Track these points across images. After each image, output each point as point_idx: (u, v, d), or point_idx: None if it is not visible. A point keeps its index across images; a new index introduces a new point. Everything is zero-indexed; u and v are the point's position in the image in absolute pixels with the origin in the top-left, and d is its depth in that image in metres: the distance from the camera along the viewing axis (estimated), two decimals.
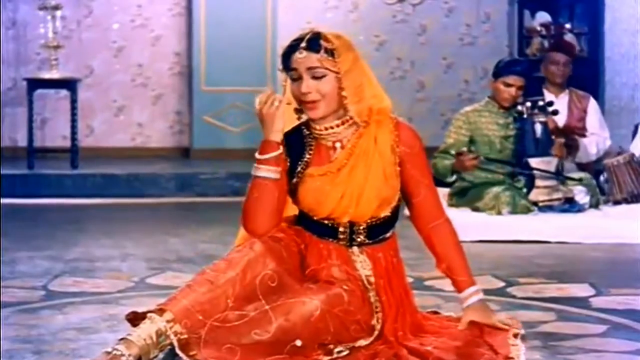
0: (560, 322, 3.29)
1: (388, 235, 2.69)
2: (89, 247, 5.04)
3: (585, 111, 6.36)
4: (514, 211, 5.61)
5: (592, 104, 6.46)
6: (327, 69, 2.56)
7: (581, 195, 5.86)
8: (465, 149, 5.77)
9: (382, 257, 2.66)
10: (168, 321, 2.45)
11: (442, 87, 9.72)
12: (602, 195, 6.04)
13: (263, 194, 2.54)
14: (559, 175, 5.82)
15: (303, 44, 2.56)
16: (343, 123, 2.61)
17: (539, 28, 9.60)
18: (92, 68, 9.30)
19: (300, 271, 2.63)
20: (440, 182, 5.65)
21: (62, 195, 7.28)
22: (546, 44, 9.32)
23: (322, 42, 2.56)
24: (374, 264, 2.64)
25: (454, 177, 5.80)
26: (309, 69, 2.55)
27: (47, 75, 8.24)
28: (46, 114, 9.24)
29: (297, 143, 2.62)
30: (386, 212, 2.63)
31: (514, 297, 3.78)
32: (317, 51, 2.55)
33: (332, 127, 2.61)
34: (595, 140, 6.38)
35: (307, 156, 2.64)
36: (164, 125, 9.41)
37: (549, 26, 9.55)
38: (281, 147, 2.59)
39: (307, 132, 2.68)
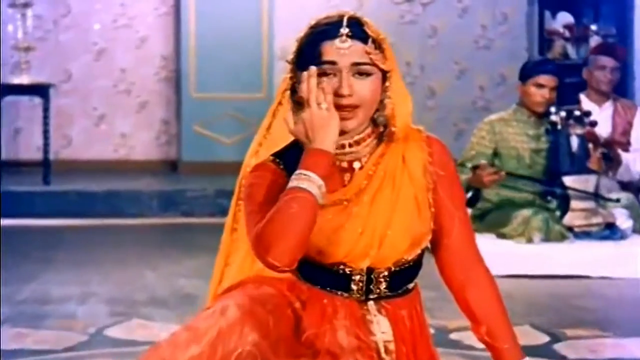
0: None
1: (411, 285, 2.23)
2: (46, 284, 4.77)
3: (630, 123, 6.11)
4: (546, 238, 5.37)
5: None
6: (375, 65, 2.14)
7: (623, 219, 5.58)
8: (484, 161, 5.46)
9: (407, 316, 2.20)
10: None
11: (455, 95, 9.53)
12: None
13: (304, 210, 2.05)
14: (598, 195, 5.53)
15: (345, 30, 2.12)
16: (366, 138, 2.18)
17: (561, 30, 9.27)
18: (70, 72, 9.14)
19: (294, 340, 2.14)
20: None
21: (32, 215, 7.01)
22: (569, 47, 9.20)
23: (368, 30, 2.14)
24: (396, 325, 2.19)
25: (470, 194, 5.50)
26: (355, 64, 2.12)
27: (16, 80, 7.97)
28: (20, 123, 9.02)
29: (295, 161, 2.14)
30: (414, 255, 2.18)
31: (564, 358, 3.46)
32: (365, 41, 2.13)
33: (351, 145, 2.17)
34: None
35: None
36: (149, 135, 9.27)
37: (572, 28, 9.24)
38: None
39: None
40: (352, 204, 2.14)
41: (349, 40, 2.12)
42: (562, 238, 5.38)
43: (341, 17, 2.15)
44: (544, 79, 5.51)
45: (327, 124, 2.08)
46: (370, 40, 2.14)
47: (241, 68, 8.76)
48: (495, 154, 5.58)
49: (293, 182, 2.06)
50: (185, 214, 7.37)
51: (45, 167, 7.74)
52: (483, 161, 5.44)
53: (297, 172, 2.07)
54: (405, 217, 2.16)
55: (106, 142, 9.17)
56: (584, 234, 5.47)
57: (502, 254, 5.08)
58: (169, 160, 9.20)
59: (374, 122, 2.18)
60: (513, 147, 5.58)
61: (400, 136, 2.18)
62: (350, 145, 2.16)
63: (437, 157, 2.21)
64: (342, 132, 2.12)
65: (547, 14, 9.42)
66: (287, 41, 8.68)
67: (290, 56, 2.19)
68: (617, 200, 5.60)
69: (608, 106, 6.12)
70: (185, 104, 8.90)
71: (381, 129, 2.19)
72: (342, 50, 2.13)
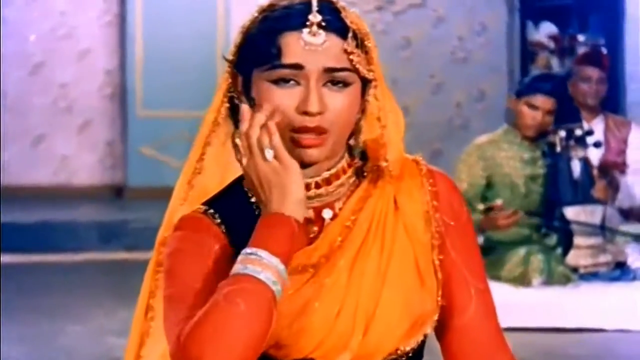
0: None
1: None
2: None
3: (625, 142, 5.92)
4: (548, 281, 5.16)
5: (635, 133, 5.98)
6: (356, 71, 1.69)
7: (634, 257, 5.40)
8: (499, 201, 5.22)
9: None
10: None
11: (430, 111, 9.25)
12: None
13: (255, 310, 1.62)
14: (606, 229, 5.36)
15: (317, 17, 1.65)
16: (341, 174, 1.76)
17: (546, 41, 9.12)
18: (3, 88, 8.94)
19: None
20: None
21: None
22: (555, 59, 9.12)
23: (347, 19, 1.68)
24: None
25: (481, 241, 5.31)
26: (329, 70, 1.66)
27: None
28: None
29: (244, 216, 1.74)
30: (415, 343, 1.79)
31: None
32: (343, 34, 1.67)
33: (319, 185, 1.75)
34: None
35: None
36: (92, 158, 9.08)
37: (558, 38, 9.17)
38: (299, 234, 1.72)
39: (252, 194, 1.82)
40: (323, 272, 1.73)
41: (322, 32, 1.66)
42: (565, 281, 5.15)
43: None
44: (539, 99, 5.26)
45: (283, 181, 1.66)
46: (350, 35, 1.67)
47: (194, 83, 8.55)
48: (488, 183, 5.38)
49: (239, 266, 1.62)
50: (128, 248, 7.08)
51: None
52: (498, 201, 5.16)
53: (246, 250, 1.64)
54: (401, 289, 1.76)
55: (44, 165, 8.99)
56: (591, 276, 5.26)
57: (498, 303, 4.59)
58: (114, 186, 9.06)
59: (350, 151, 1.76)
60: (506, 174, 5.34)
61: (395, 173, 1.76)
62: (318, 186, 1.74)
63: (444, 200, 1.82)
64: (305, 166, 1.70)
65: (529, 24, 9.31)
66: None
67: (230, 52, 1.73)
68: (631, 235, 5.49)
69: (598, 123, 5.92)
70: (131, 123, 8.83)
71: (358, 161, 1.79)
72: (312, 46, 1.66)
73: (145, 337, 1.86)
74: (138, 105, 8.73)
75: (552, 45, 9.08)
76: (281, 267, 1.62)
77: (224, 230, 1.70)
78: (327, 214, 1.75)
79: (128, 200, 8.58)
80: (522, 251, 5.18)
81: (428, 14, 9.31)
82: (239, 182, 1.77)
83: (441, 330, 1.83)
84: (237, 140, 1.67)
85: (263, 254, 1.61)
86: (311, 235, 1.74)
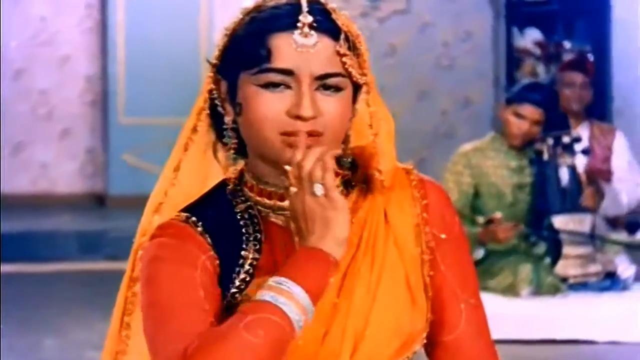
0: None
1: None
2: None
3: (610, 149, 5.95)
4: (536, 291, 5.14)
5: (620, 140, 6.00)
6: (349, 75, 1.63)
7: (624, 266, 5.37)
8: (499, 214, 5.16)
9: None
10: None
11: (415, 119, 9.06)
12: None
13: (273, 345, 1.54)
14: (596, 238, 5.39)
15: (308, 18, 1.59)
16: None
17: (532, 47, 9.20)
18: None
19: None
20: None
21: None
22: (541, 66, 9.13)
23: (338, 20, 1.62)
24: None
25: (482, 254, 5.21)
26: (322, 77, 1.60)
27: None
28: None
29: (228, 226, 1.66)
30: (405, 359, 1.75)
31: None
32: (334, 36, 1.61)
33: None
34: (626, 186, 5.90)
35: (252, 254, 1.68)
36: (73, 166, 9.08)
37: (544, 45, 9.18)
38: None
39: (240, 201, 1.70)
40: None
41: (314, 33, 1.60)
42: (554, 291, 5.13)
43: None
44: (526, 109, 5.22)
45: (329, 217, 1.60)
46: (342, 36, 1.62)
47: (176, 89, 8.49)
48: (475, 192, 5.34)
49: (268, 294, 1.56)
50: (109, 258, 6.98)
51: None
52: (498, 214, 5.11)
53: (277, 278, 1.57)
54: (392, 309, 1.70)
55: (24, 173, 8.98)
56: (580, 286, 5.23)
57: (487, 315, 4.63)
58: (95, 194, 9.04)
59: (338, 161, 1.69)
60: (493, 182, 5.31)
61: (387, 184, 1.70)
62: None
63: (435, 213, 1.75)
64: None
65: (515, 30, 9.22)
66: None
67: (214, 56, 1.64)
68: (621, 244, 5.53)
69: (583, 130, 5.92)
70: (113, 130, 8.81)
71: (346, 171, 1.73)
72: (303, 48, 1.60)
73: (121, 355, 1.77)
74: (120, 112, 8.71)
75: (538, 51, 9.07)
76: (310, 307, 1.56)
77: (209, 241, 1.62)
78: None
79: (109, 209, 8.54)
80: (510, 261, 5.16)
81: (413, 20, 9.24)
82: (221, 188, 1.70)
83: (431, 346, 1.78)
84: (287, 167, 1.60)
85: (296, 288, 1.55)
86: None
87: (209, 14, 8.76)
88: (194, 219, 1.62)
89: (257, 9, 1.62)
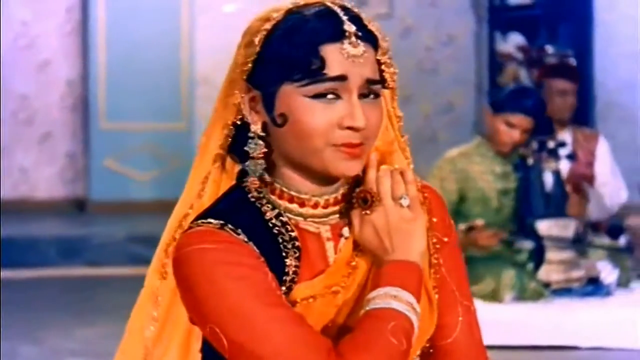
0: None
1: None
2: None
3: (593, 154, 5.95)
4: (519, 297, 5.13)
5: (602, 145, 6.01)
6: (384, 82, 1.67)
7: (607, 271, 5.32)
8: (480, 221, 5.14)
9: None
10: None
11: None
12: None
13: (409, 350, 1.64)
14: (582, 242, 5.37)
15: (352, 27, 1.60)
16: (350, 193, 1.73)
17: (514, 52, 9.17)
18: None
19: None
20: None
21: None
22: (523, 71, 9.09)
23: (372, 28, 1.64)
24: None
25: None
26: (369, 82, 1.62)
27: None
28: None
29: (260, 232, 1.65)
30: None
31: None
32: (374, 45, 1.64)
33: (337, 201, 1.69)
34: (609, 191, 5.93)
35: (293, 261, 1.68)
36: (53, 171, 9.02)
37: (527, 49, 9.15)
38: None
39: (267, 208, 1.67)
40: (344, 289, 1.70)
41: (361, 42, 1.61)
42: (538, 296, 5.11)
43: (325, 4, 1.62)
44: (518, 118, 5.16)
45: (411, 230, 1.67)
46: (380, 45, 1.66)
47: (158, 94, 8.60)
48: (460, 197, 5.31)
49: (394, 302, 1.64)
50: (90, 264, 7.05)
51: None
52: (479, 221, 5.08)
53: (390, 288, 1.64)
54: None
55: (3, 178, 8.85)
56: (564, 291, 5.20)
57: None
58: (76, 199, 8.97)
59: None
60: (479, 188, 5.28)
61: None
62: (337, 202, 1.69)
63: (438, 217, 1.78)
64: (333, 181, 1.67)
65: (498, 34, 9.23)
66: (210, 63, 8.69)
67: (240, 67, 1.64)
68: (606, 248, 5.47)
69: (567, 135, 5.92)
70: (93, 135, 8.75)
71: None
72: (354, 58, 1.61)
73: (152, 345, 1.76)
74: (101, 116, 8.69)
75: (520, 56, 9.04)
76: (419, 310, 1.64)
77: (254, 248, 1.61)
78: (346, 232, 1.70)
79: (90, 215, 8.51)
80: (493, 267, 5.12)
81: (396, 24, 9.22)
82: (237, 194, 1.68)
83: (427, 349, 1.79)
84: (363, 188, 1.68)
85: (412, 298, 1.62)
86: (329, 255, 1.70)
87: (190, 18, 8.75)
88: (230, 226, 1.61)
89: (300, 13, 1.62)
